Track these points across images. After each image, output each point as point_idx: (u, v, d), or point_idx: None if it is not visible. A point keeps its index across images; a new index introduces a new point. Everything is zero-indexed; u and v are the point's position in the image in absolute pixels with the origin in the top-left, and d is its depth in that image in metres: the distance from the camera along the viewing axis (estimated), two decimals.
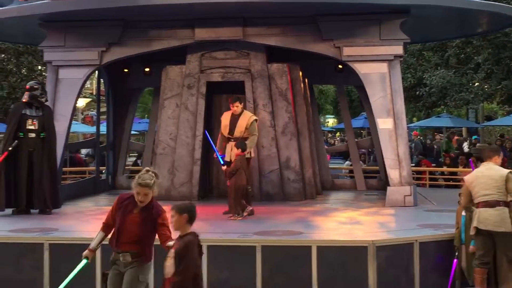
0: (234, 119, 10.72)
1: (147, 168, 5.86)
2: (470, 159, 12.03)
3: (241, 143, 10.28)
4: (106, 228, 5.88)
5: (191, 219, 5.28)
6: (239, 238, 8.23)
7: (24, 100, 10.80)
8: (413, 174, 13.48)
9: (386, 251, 7.88)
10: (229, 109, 11.18)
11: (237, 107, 10.70)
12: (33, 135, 10.72)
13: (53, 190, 10.80)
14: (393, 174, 11.51)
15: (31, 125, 10.75)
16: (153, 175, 5.71)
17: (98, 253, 7.89)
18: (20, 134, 10.65)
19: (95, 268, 7.82)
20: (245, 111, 10.91)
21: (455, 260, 8.03)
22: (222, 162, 10.35)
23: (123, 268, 5.67)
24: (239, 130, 10.63)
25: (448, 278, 8.03)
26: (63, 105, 12.27)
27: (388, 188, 11.52)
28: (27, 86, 11.00)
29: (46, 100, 11.08)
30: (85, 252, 5.77)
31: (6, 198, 10.47)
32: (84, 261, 5.67)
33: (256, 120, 10.92)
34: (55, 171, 11.07)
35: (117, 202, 5.85)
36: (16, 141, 10.54)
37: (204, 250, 7.80)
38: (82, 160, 19.87)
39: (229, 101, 10.93)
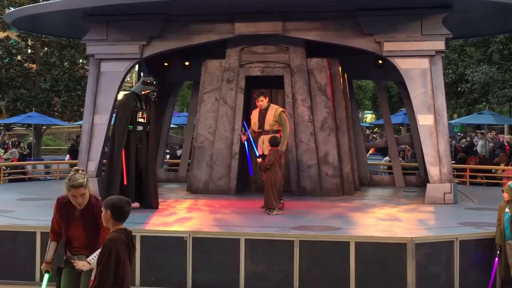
0: (262, 114, 10.71)
1: (76, 167, 5.41)
2: None
3: (274, 138, 10.30)
4: (55, 237, 5.60)
5: (116, 216, 4.77)
6: (277, 233, 8.24)
7: (144, 92, 10.59)
8: (453, 171, 13.29)
9: (426, 248, 7.80)
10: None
11: (261, 101, 10.64)
12: (140, 128, 10.56)
13: (155, 187, 10.62)
14: (433, 171, 11.37)
15: (141, 118, 10.57)
16: (84, 173, 5.33)
17: (38, 239, 8.27)
18: (130, 126, 10.45)
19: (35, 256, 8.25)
20: (271, 104, 10.84)
21: (497, 258, 7.90)
22: (257, 155, 10.38)
23: (79, 269, 5.28)
24: (268, 124, 10.62)
25: (489, 277, 7.91)
26: (104, 98, 12.46)
27: (428, 185, 11.39)
28: (147, 80, 10.76)
29: (156, 98, 10.99)
30: (43, 266, 5.57)
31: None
32: (46, 276, 5.47)
33: (283, 111, 10.83)
34: (155, 167, 11.02)
35: (56, 208, 5.48)
36: None
37: (242, 243, 7.95)
38: None
39: (254, 96, 10.91)
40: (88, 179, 5.32)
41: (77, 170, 5.32)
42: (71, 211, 5.35)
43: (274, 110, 10.65)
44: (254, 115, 10.84)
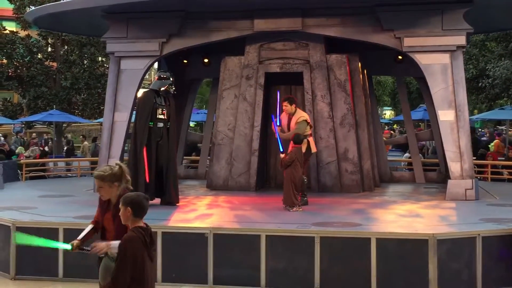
0: (289, 119, 10.76)
1: (117, 162, 5.53)
2: None
3: (297, 136, 10.30)
4: (94, 221, 5.75)
5: (136, 213, 4.80)
6: (298, 229, 8.23)
7: (163, 88, 10.62)
8: (474, 167, 13.18)
9: (447, 244, 7.74)
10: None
11: (285, 106, 10.65)
12: (161, 125, 10.55)
13: (175, 183, 10.61)
14: (454, 167, 11.29)
15: (161, 114, 10.56)
16: (114, 167, 5.39)
17: (61, 235, 8.35)
18: (150, 123, 10.46)
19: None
20: (298, 110, 10.77)
21: None
22: (281, 150, 10.39)
23: (112, 261, 5.30)
24: (291, 129, 10.65)
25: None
26: (124, 96, 12.56)
27: (449, 181, 11.30)
28: (163, 75, 10.79)
29: (175, 91, 10.94)
30: (73, 241, 5.68)
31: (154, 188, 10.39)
32: (68, 246, 5.57)
33: (305, 120, 10.67)
34: (176, 163, 11.05)
35: (99, 199, 5.68)
36: None
37: (263, 240, 7.96)
38: None
39: (281, 100, 10.93)
40: (115, 174, 5.36)
41: (111, 164, 5.49)
42: (105, 203, 5.55)
43: (296, 118, 10.63)
44: (284, 118, 10.86)
